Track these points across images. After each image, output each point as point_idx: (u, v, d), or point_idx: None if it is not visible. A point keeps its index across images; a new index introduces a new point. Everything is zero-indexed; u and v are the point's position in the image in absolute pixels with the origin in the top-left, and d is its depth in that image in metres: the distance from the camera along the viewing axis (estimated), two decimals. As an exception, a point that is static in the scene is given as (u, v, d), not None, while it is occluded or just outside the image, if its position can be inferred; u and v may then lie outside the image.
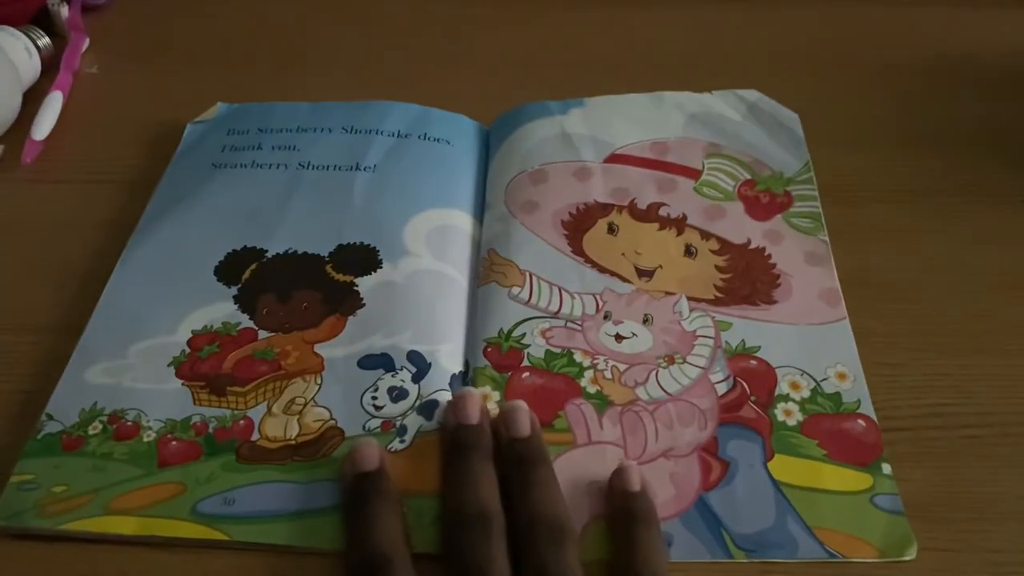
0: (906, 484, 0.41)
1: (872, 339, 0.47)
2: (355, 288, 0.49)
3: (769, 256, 0.51)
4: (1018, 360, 0.47)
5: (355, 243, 0.51)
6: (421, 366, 0.46)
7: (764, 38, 0.69)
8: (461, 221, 0.53)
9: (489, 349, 0.47)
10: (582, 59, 0.67)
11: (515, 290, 0.50)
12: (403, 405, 0.44)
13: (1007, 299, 0.49)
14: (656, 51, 0.68)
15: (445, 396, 0.45)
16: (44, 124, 0.62)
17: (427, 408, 0.44)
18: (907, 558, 0.39)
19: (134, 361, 0.46)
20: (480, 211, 0.55)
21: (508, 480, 0.40)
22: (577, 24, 0.71)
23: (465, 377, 0.46)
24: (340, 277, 0.50)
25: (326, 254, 0.51)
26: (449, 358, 0.46)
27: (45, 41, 0.67)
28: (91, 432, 0.44)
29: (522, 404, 0.43)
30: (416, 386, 0.45)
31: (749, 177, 0.56)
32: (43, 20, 0.69)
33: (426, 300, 0.49)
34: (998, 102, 0.61)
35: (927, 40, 0.67)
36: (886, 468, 0.42)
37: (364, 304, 0.49)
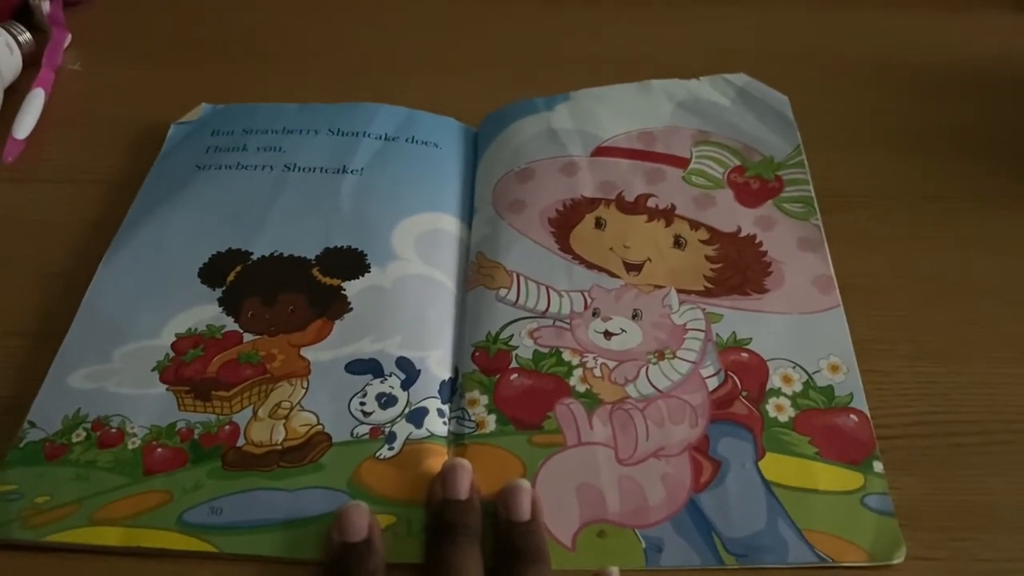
0: (895, 492, 0.41)
1: (861, 346, 0.46)
2: (343, 292, 0.49)
3: (760, 243, 0.51)
4: (1007, 368, 0.46)
5: (342, 247, 0.51)
6: (410, 373, 0.45)
7: (754, 38, 0.68)
8: (449, 225, 0.53)
9: (477, 353, 0.47)
10: (572, 57, 0.67)
11: (503, 292, 0.49)
12: (392, 412, 0.44)
13: (996, 306, 0.49)
14: (645, 50, 0.67)
15: (434, 404, 0.45)
16: (25, 122, 0.61)
17: (416, 415, 0.44)
18: (896, 561, 0.39)
19: (118, 365, 0.46)
20: (468, 214, 0.54)
21: (498, 571, 0.38)
22: (566, 22, 0.70)
23: (454, 383, 0.46)
24: (327, 280, 0.50)
25: (312, 257, 0.51)
26: (438, 364, 0.46)
27: (26, 37, 0.66)
28: (75, 440, 0.43)
29: (525, 484, 0.40)
30: (405, 393, 0.45)
31: (739, 163, 0.55)
32: (24, 15, 0.69)
33: (415, 305, 0.48)
34: (987, 107, 0.61)
35: (917, 44, 0.67)
36: (877, 466, 0.42)
37: (352, 308, 0.48)
